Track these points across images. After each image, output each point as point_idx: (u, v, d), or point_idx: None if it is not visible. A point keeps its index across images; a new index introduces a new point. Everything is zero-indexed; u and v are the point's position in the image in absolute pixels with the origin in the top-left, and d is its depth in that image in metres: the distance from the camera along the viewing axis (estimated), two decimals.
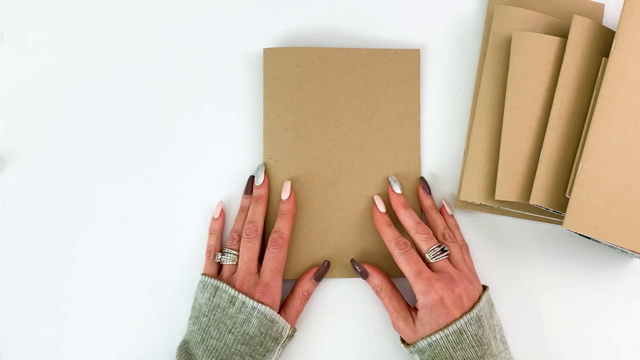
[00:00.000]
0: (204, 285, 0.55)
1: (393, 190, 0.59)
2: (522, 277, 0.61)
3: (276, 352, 0.55)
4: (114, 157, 0.62)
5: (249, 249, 0.56)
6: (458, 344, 0.52)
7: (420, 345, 0.53)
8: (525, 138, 0.58)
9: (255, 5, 0.64)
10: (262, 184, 0.58)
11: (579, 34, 0.58)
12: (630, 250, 0.55)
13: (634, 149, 0.55)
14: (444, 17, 0.65)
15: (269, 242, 0.56)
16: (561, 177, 0.57)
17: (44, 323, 0.59)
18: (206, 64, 0.63)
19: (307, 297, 0.58)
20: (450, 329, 0.52)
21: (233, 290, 0.54)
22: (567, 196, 0.56)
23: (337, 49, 0.61)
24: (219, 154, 0.62)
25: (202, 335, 0.53)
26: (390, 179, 0.59)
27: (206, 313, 0.54)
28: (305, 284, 0.58)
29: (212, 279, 0.55)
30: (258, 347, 0.53)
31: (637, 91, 0.56)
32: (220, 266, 0.58)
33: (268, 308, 0.53)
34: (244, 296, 0.53)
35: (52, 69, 0.63)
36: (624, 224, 0.55)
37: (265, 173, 0.59)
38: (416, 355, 0.54)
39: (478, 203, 0.60)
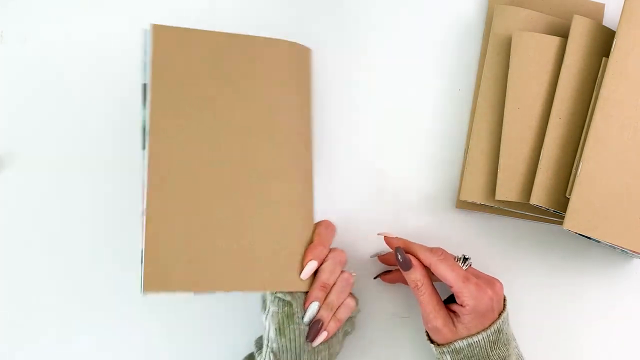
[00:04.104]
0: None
1: (391, 237, 0.56)
2: (522, 277, 0.61)
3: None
4: (114, 157, 0.62)
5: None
6: (495, 342, 0.52)
7: (457, 345, 0.52)
8: (525, 138, 0.58)
9: None
10: None
11: (579, 33, 0.58)
12: (630, 250, 0.55)
13: (634, 149, 0.55)
14: (444, 17, 0.65)
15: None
16: (561, 177, 0.57)
17: (44, 323, 0.59)
18: None
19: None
20: (492, 328, 0.52)
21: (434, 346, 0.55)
22: (567, 196, 0.56)
23: (223, 33, 0.52)
24: None
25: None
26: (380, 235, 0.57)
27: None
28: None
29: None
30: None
31: (637, 91, 0.56)
32: None
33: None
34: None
35: (52, 69, 0.63)
36: (624, 224, 0.55)
37: None
38: (448, 356, 0.53)
39: (478, 203, 0.61)
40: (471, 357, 0.52)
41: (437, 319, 0.53)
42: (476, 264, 0.60)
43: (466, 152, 0.62)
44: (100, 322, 0.59)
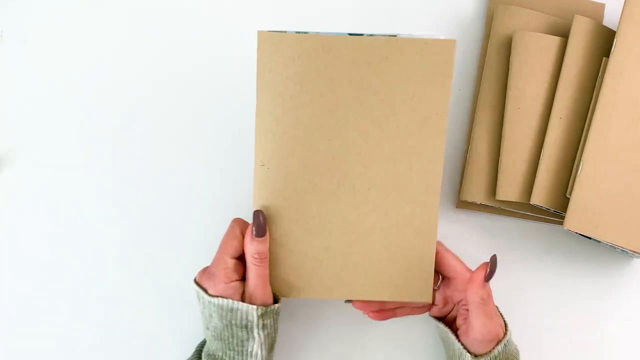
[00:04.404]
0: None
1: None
2: (522, 277, 0.61)
3: (256, 337, 0.50)
4: (114, 157, 0.62)
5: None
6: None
7: (496, 352, 0.51)
8: (526, 138, 0.58)
9: None
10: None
11: (580, 33, 0.58)
12: (630, 250, 0.55)
13: (634, 149, 0.55)
14: (444, 17, 0.65)
15: None
16: (562, 177, 0.57)
17: (44, 323, 0.59)
18: (204, 53, 0.63)
19: (262, 259, 0.51)
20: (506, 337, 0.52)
21: (196, 287, 0.51)
22: (568, 196, 0.56)
23: (349, 37, 0.50)
24: (215, 156, 0.62)
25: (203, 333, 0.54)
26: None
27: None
28: (250, 247, 0.51)
29: (193, 283, 0.53)
30: (231, 339, 0.50)
31: (637, 91, 0.56)
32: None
33: (220, 299, 0.49)
34: (200, 291, 0.50)
35: (52, 69, 0.63)
36: (624, 224, 0.55)
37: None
38: None
39: (479, 203, 0.61)
40: (500, 355, 0.51)
41: (497, 326, 0.52)
42: (476, 263, 0.60)
43: (467, 152, 0.62)
44: (100, 322, 0.59)
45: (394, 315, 0.55)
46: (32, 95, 0.63)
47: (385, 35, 0.50)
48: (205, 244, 0.61)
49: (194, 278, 0.52)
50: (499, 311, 0.53)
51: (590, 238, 0.56)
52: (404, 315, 0.56)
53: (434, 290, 0.54)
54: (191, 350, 0.55)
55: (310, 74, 0.50)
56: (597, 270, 0.62)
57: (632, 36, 0.56)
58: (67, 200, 0.61)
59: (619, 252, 0.61)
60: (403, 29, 0.64)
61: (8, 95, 0.62)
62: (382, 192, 0.52)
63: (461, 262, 0.53)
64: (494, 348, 0.50)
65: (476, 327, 0.50)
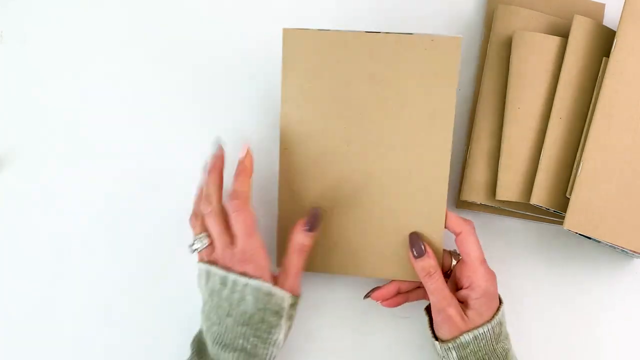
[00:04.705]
0: (200, 273, 0.53)
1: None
2: (522, 277, 0.61)
3: (282, 326, 0.51)
4: (114, 157, 0.62)
5: (213, 223, 0.52)
6: (499, 335, 0.52)
7: (464, 339, 0.51)
8: (526, 138, 0.58)
9: None
10: (216, 156, 0.54)
11: (580, 33, 0.58)
12: (630, 250, 0.55)
13: (634, 149, 0.55)
14: (444, 17, 0.65)
15: (228, 208, 0.52)
16: (562, 177, 0.57)
17: (44, 322, 0.59)
18: (219, 49, 0.63)
19: (303, 251, 0.53)
20: (495, 319, 0.52)
21: (222, 271, 0.50)
22: (568, 196, 0.56)
23: (365, 34, 0.54)
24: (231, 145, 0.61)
25: (207, 323, 0.52)
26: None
27: (207, 300, 0.52)
28: (298, 236, 0.53)
29: (204, 264, 0.52)
30: (260, 324, 0.50)
31: (637, 91, 0.56)
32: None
33: (260, 281, 0.50)
34: (234, 274, 0.50)
35: (52, 69, 0.63)
36: (624, 224, 0.55)
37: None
38: (454, 352, 0.51)
39: (479, 203, 0.61)
40: (477, 351, 0.51)
41: (451, 306, 0.52)
42: None
43: (467, 152, 0.62)
44: (100, 322, 0.59)
45: (407, 300, 0.57)
46: (32, 95, 0.63)
47: (399, 33, 0.54)
48: None
49: (207, 260, 0.52)
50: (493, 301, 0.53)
51: (590, 238, 0.56)
52: (416, 299, 0.57)
53: (447, 272, 0.56)
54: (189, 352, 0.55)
55: (330, 67, 0.55)
56: (597, 270, 0.62)
57: (632, 36, 0.56)
58: (67, 200, 0.61)
59: (619, 252, 0.61)
60: (403, 29, 0.64)
61: (8, 95, 0.62)
62: (394, 178, 0.55)
63: (477, 249, 0.53)
64: (457, 337, 0.51)
65: (433, 304, 0.53)
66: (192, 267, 0.60)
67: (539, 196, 0.57)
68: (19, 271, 0.60)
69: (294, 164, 0.56)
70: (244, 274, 0.50)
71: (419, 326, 0.59)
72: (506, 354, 0.52)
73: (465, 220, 0.54)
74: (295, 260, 0.52)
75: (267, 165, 0.60)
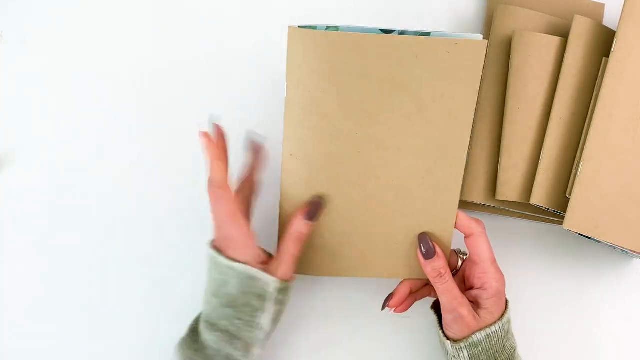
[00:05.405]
0: (206, 256, 0.53)
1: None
2: (522, 277, 0.61)
3: (268, 310, 0.51)
4: (115, 156, 0.62)
5: (213, 205, 0.51)
6: (508, 332, 0.52)
7: (475, 338, 0.51)
8: (525, 138, 0.58)
9: None
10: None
11: (580, 33, 0.58)
12: (630, 250, 0.55)
13: (634, 149, 0.55)
14: (444, 17, 0.65)
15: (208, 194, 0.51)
16: (562, 177, 0.57)
17: (44, 322, 0.59)
18: (221, 49, 0.63)
19: (300, 239, 0.52)
20: (506, 317, 0.52)
21: (213, 253, 0.51)
22: (568, 196, 0.56)
23: (378, 36, 0.49)
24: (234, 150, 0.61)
25: (203, 302, 0.53)
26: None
27: (206, 282, 0.53)
28: (297, 224, 0.52)
29: (209, 247, 0.52)
30: (244, 307, 0.50)
31: (637, 91, 0.56)
32: None
33: (244, 265, 0.50)
34: (221, 257, 0.50)
35: (52, 69, 0.63)
36: (624, 224, 0.55)
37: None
38: (465, 352, 0.51)
39: (478, 203, 0.61)
40: (489, 349, 0.51)
41: (463, 306, 0.51)
42: None
43: (467, 152, 0.62)
44: (100, 322, 0.59)
45: (415, 300, 0.57)
46: (32, 95, 0.63)
47: (416, 34, 0.50)
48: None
49: (209, 242, 0.52)
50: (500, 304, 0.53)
51: (590, 238, 0.56)
52: (422, 297, 0.57)
53: (455, 271, 0.56)
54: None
55: (338, 70, 0.50)
56: (597, 270, 0.62)
57: (632, 36, 0.56)
58: (67, 200, 0.61)
59: (619, 252, 0.61)
60: (403, 29, 0.64)
61: (8, 95, 0.62)
62: (405, 181, 0.53)
63: (488, 250, 0.53)
64: (468, 337, 0.51)
65: (444, 305, 0.53)
66: (192, 266, 0.60)
67: (539, 196, 0.57)
68: (18, 271, 0.60)
69: (298, 170, 0.53)
70: (231, 258, 0.50)
71: (421, 326, 0.59)
72: (513, 351, 0.53)
73: (476, 220, 0.53)
74: (290, 246, 0.52)
75: (272, 170, 0.59)
